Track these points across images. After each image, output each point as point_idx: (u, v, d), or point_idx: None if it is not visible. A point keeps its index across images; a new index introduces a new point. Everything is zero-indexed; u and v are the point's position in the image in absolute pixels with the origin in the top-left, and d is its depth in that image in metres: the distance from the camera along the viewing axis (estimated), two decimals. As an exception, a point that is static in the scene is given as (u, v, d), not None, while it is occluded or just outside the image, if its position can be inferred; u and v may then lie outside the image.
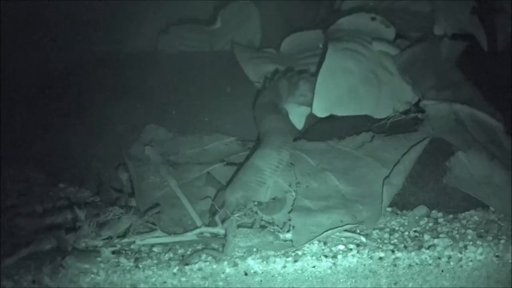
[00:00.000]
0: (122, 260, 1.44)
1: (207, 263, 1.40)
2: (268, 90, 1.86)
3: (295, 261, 1.41)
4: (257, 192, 1.55)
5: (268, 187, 1.57)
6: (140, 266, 1.41)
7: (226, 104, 1.92)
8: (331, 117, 1.82)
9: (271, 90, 1.86)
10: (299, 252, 1.43)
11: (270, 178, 1.57)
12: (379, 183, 1.55)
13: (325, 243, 1.46)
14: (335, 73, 1.82)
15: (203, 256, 1.43)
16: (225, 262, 1.40)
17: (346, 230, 1.49)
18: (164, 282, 1.39)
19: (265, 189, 1.56)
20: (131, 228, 1.50)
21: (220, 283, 1.40)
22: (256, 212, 1.50)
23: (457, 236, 1.49)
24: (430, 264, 1.42)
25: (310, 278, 1.41)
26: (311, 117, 1.86)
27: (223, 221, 1.47)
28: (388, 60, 1.89)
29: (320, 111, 1.80)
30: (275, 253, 1.42)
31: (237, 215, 1.47)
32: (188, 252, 1.46)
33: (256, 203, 1.52)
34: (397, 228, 1.54)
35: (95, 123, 1.87)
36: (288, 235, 1.45)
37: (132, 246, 1.50)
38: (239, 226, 1.47)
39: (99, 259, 1.44)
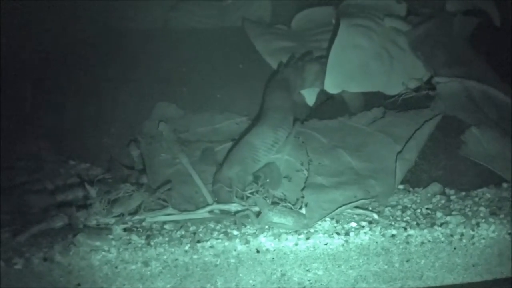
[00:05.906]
0: (134, 237, 1.44)
1: (219, 240, 1.40)
2: (291, 68, 1.84)
3: (307, 238, 1.41)
4: (252, 168, 1.56)
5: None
6: (152, 243, 1.41)
7: (238, 81, 1.91)
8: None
9: (295, 70, 1.84)
10: (311, 230, 1.43)
11: (265, 156, 1.59)
12: (391, 158, 1.55)
13: (337, 221, 1.46)
14: (347, 49, 1.81)
15: (215, 234, 1.43)
16: (237, 240, 1.40)
17: (358, 207, 1.48)
18: (176, 260, 1.39)
19: (259, 167, 1.56)
20: (142, 205, 1.50)
21: (232, 261, 1.40)
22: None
23: (470, 213, 1.49)
24: (442, 242, 1.42)
25: (322, 256, 1.41)
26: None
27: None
28: (400, 36, 1.88)
29: (331, 87, 1.79)
30: (287, 231, 1.42)
31: (248, 192, 1.46)
32: (200, 230, 1.46)
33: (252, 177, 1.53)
34: (409, 206, 1.54)
35: (106, 100, 1.87)
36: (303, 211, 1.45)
37: (144, 224, 1.50)
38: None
39: (110, 236, 1.44)
